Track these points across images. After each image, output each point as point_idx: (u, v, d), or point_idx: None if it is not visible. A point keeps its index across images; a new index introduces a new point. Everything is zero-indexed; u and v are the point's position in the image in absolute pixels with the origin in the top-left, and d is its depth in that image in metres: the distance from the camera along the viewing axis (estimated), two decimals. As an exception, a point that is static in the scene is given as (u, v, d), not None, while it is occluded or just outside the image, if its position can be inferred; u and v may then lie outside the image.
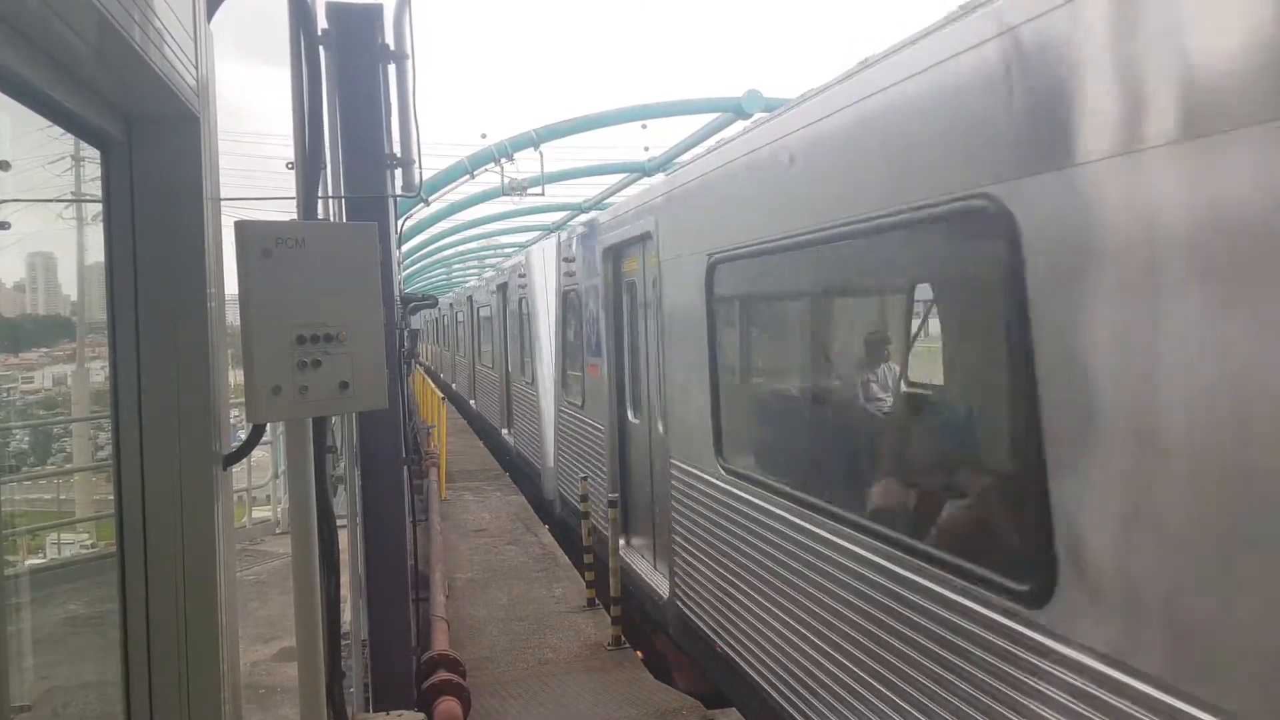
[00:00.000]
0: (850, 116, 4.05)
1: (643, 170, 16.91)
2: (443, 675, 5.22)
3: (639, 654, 7.15)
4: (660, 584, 7.01)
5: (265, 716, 6.17)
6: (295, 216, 3.82)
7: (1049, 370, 2.80)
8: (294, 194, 3.87)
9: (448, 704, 4.96)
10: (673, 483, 6.49)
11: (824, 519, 4.38)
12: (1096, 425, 2.62)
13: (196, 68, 2.94)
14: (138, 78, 2.50)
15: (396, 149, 5.35)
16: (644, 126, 15.28)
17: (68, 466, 6.22)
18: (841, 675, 4.15)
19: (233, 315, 3.31)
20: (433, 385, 20.18)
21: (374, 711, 4.64)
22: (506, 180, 15.29)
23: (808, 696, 4.51)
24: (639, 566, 7.73)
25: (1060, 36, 2.72)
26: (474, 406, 21.62)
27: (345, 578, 4.44)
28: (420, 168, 5.48)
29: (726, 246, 5.48)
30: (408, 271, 29.09)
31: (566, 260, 10.66)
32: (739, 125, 13.79)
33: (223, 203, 3.25)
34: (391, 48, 5.13)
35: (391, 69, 5.22)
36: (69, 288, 3.75)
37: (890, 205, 3.68)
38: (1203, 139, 2.28)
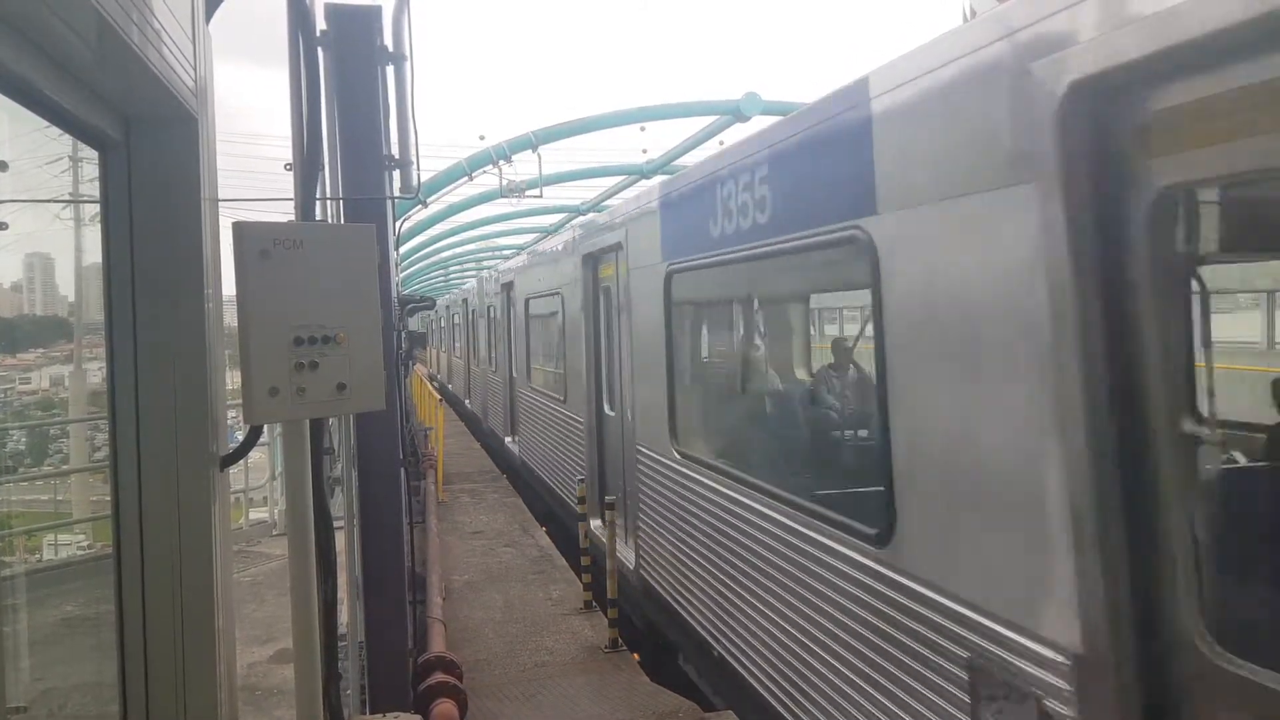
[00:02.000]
0: None
1: (640, 172, 16.91)
2: (439, 677, 5.21)
3: (635, 656, 7.14)
4: (628, 555, 7.74)
5: (262, 718, 6.17)
6: (293, 218, 3.82)
7: None
8: (292, 195, 3.87)
9: (444, 706, 4.95)
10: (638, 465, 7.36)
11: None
12: None
13: (195, 69, 2.94)
14: (136, 78, 2.50)
15: (395, 150, 5.34)
16: (642, 129, 15.28)
17: (64, 467, 6.21)
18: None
19: (230, 316, 3.31)
20: (431, 389, 19.92)
21: (370, 713, 4.63)
22: (505, 182, 15.30)
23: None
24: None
25: None
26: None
27: (342, 579, 4.43)
28: (418, 169, 5.48)
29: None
30: (406, 273, 29.06)
31: None
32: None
33: (220, 204, 3.25)
34: (390, 49, 5.13)
35: (390, 70, 5.22)
36: (66, 288, 3.75)
37: None
38: None
